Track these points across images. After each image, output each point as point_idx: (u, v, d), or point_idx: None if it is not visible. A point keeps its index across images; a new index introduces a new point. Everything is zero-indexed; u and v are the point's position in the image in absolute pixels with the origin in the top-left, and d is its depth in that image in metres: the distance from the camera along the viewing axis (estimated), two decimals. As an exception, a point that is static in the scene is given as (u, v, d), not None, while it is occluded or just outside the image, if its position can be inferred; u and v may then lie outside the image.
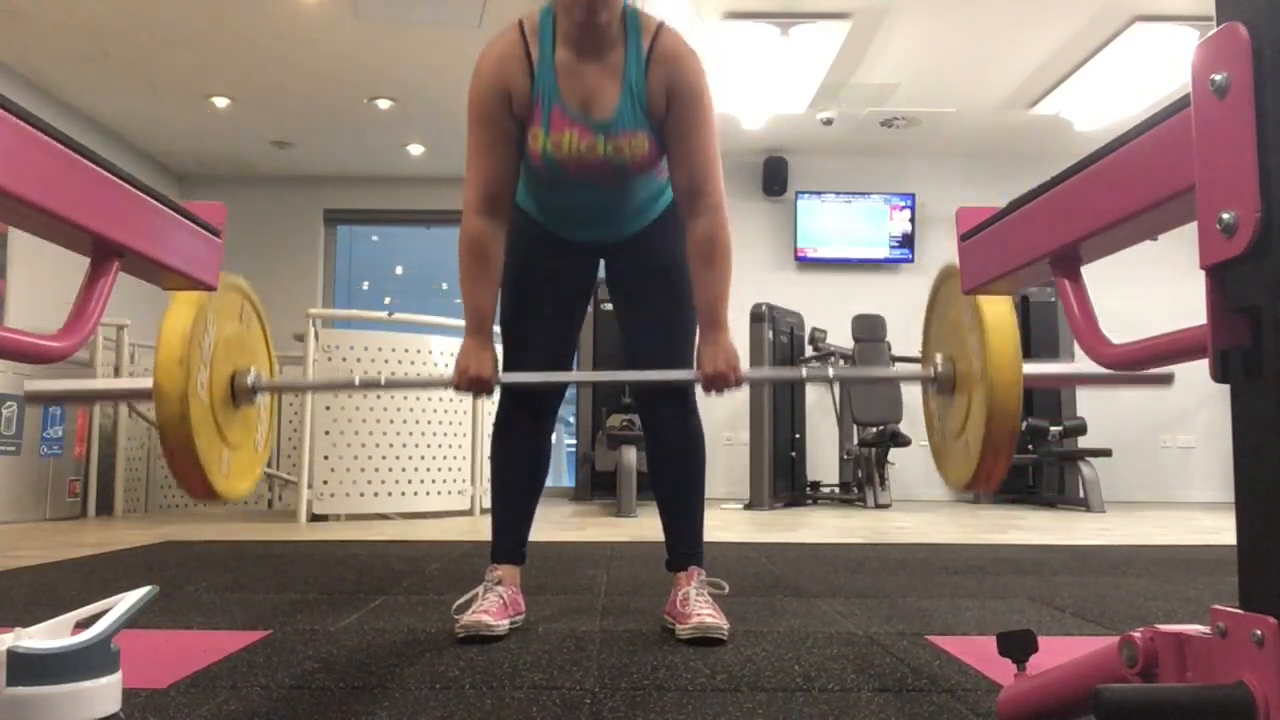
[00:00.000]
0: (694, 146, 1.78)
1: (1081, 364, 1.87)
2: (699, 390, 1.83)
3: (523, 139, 1.79)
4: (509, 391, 1.93)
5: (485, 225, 1.79)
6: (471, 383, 1.78)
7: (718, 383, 1.76)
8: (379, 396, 4.93)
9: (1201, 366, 0.87)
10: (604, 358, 7.11)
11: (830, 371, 1.98)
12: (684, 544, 1.95)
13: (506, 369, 1.91)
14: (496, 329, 1.90)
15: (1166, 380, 1.72)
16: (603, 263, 1.99)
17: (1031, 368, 1.67)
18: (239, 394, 1.83)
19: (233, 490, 1.83)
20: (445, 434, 5.16)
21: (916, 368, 1.87)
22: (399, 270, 10.92)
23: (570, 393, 7.49)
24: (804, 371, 1.93)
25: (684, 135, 1.78)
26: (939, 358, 1.81)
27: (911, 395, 6.46)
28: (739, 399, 6.37)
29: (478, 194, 1.78)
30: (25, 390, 1.82)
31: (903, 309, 7.37)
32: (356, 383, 1.96)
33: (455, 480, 5.22)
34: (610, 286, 2.00)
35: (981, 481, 1.69)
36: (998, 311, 1.62)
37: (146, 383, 1.67)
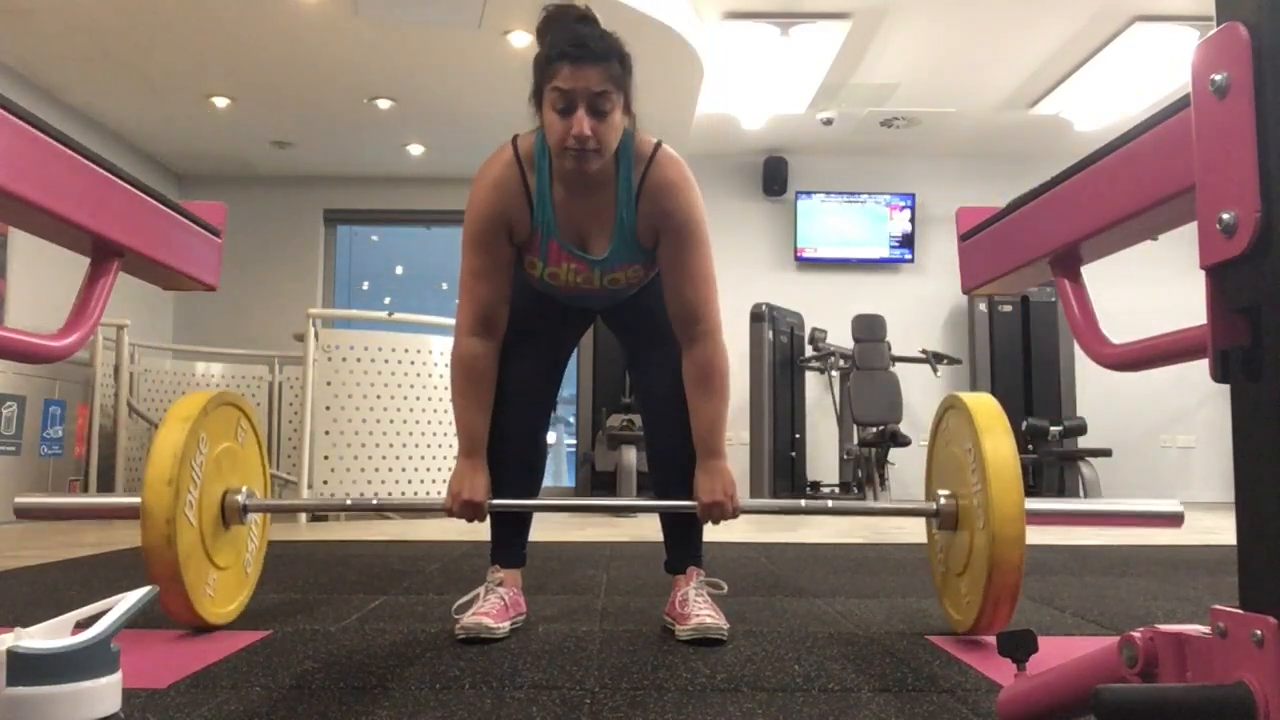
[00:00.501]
0: (687, 276, 1.77)
1: (1087, 502, 1.85)
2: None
3: (519, 258, 1.82)
4: (504, 390, 1.94)
5: (479, 347, 1.79)
6: (464, 507, 1.77)
7: (714, 512, 1.75)
8: (379, 396, 4.93)
9: (1201, 366, 0.87)
10: (604, 358, 7.11)
11: (830, 504, 1.98)
12: (683, 546, 1.95)
13: (499, 390, 1.91)
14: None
15: (1176, 521, 1.67)
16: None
17: (1034, 504, 1.61)
18: (229, 514, 1.79)
19: (217, 614, 1.79)
20: (446, 434, 5.16)
21: (920, 502, 1.86)
22: (399, 270, 10.90)
23: (569, 392, 7.52)
24: (804, 502, 1.93)
25: (677, 266, 1.77)
26: (942, 494, 1.78)
27: (911, 396, 6.47)
28: (739, 400, 6.37)
29: (472, 317, 1.78)
30: (15, 505, 1.78)
31: (903, 309, 7.37)
32: (348, 502, 1.98)
33: (455, 480, 5.21)
34: (609, 326, 2.04)
35: (983, 630, 1.68)
36: (1001, 453, 1.55)
37: (135, 501, 1.64)
